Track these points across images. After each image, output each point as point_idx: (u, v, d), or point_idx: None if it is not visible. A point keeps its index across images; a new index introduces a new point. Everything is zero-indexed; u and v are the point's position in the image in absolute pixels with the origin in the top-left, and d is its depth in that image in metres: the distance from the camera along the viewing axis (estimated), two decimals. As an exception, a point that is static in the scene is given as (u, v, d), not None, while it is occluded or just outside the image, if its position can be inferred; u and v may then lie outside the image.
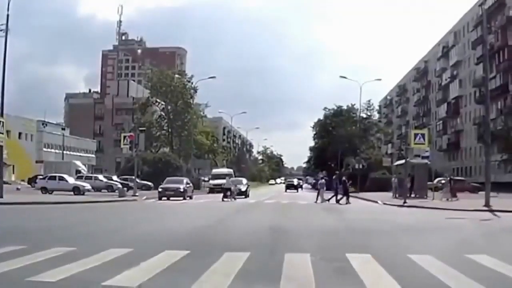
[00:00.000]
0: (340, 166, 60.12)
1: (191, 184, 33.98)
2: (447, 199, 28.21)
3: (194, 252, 8.26)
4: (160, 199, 30.21)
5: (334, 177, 31.29)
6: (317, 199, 28.82)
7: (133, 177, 37.27)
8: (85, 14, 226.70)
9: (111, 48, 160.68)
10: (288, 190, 57.82)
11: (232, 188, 32.94)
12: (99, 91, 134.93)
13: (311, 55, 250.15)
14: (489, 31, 49.79)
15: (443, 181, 33.92)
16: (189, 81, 65.31)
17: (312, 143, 76.59)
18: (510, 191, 36.87)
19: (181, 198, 30.39)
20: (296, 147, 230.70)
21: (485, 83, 28.57)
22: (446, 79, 74.93)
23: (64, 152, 69.72)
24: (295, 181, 68.87)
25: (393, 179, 34.59)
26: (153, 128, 64.04)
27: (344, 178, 29.89)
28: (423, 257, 7.68)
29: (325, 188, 29.72)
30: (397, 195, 31.27)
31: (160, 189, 31.62)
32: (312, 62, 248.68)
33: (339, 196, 28.19)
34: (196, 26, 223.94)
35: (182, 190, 31.03)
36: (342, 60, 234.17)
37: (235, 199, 32.07)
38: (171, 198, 30.26)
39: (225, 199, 30.84)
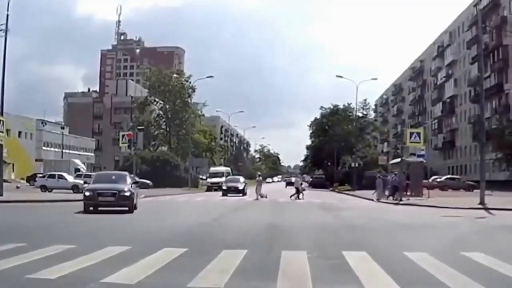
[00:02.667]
0: (336, 165, 60.25)
1: (138, 183, 22.55)
2: (379, 199, 28.05)
3: (192, 249, 8.34)
4: (85, 209, 17.39)
5: (388, 177, 30.80)
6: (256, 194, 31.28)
7: (132, 175, 37.22)
8: (84, 14, 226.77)
9: (110, 47, 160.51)
10: (288, 186, 59.38)
11: (301, 187, 31.35)
12: (98, 90, 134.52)
13: (308, 55, 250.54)
14: (484, 31, 49.75)
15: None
16: (187, 81, 65.26)
17: (308, 142, 76.77)
18: (505, 189, 36.95)
19: (127, 208, 17.54)
20: (293, 146, 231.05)
21: (480, 82, 28.65)
22: (441, 79, 75.00)
23: (63, 150, 69.66)
24: (293, 179, 73.21)
25: (389, 177, 34.67)
26: (151, 127, 64.02)
27: (396, 173, 29.50)
28: (419, 255, 7.77)
29: (261, 185, 32.63)
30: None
31: (87, 193, 17.87)
32: (309, 61, 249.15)
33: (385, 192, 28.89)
34: (194, 26, 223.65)
35: (127, 193, 17.83)
36: (339, 59, 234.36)
37: (299, 198, 30.43)
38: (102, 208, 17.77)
39: (292, 198, 30.35)
